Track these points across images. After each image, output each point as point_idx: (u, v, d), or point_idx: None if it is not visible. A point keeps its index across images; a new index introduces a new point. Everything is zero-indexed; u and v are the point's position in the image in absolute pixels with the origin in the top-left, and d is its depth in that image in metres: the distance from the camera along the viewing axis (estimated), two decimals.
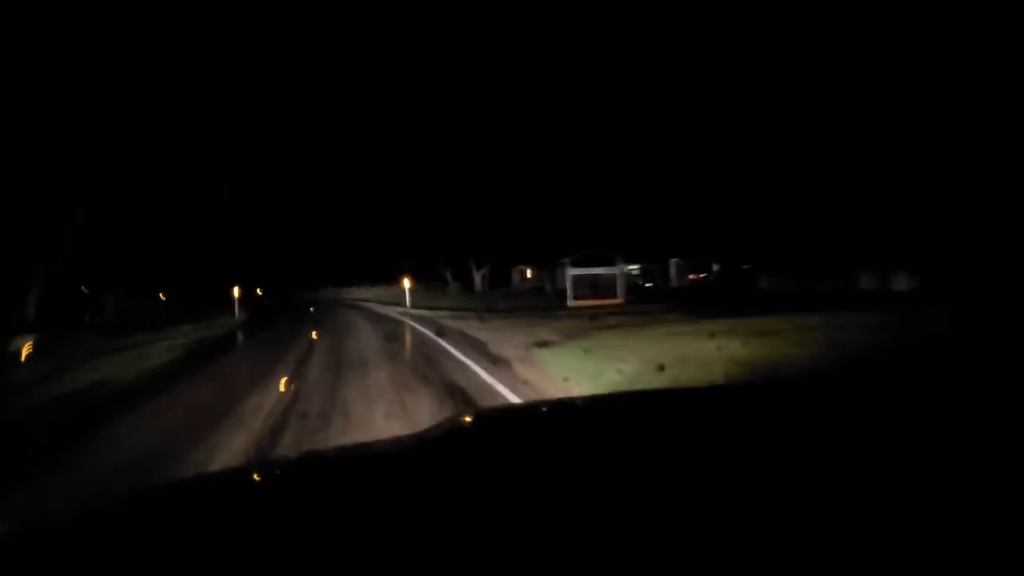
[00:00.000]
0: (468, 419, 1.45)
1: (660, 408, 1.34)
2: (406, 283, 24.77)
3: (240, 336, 15.28)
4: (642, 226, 30.62)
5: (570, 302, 22.44)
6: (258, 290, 68.79)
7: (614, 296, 22.81)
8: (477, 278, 41.46)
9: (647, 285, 36.18)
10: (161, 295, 48.53)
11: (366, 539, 0.68)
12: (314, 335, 13.34)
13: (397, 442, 1.20)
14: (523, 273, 45.59)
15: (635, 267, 39.77)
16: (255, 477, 1.11)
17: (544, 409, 1.73)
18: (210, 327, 18.23)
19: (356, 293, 48.80)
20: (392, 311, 21.71)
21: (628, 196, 29.73)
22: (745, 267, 29.10)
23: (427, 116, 33.94)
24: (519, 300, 25.93)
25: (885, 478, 0.75)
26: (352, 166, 39.95)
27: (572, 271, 23.10)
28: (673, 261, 38.01)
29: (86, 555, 0.70)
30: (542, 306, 21.83)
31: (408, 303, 24.36)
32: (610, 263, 23.81)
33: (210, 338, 14.58)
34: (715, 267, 35.59)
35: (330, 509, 0.79)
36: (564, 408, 1.63)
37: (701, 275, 36.70)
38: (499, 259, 40.70)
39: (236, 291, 23.44)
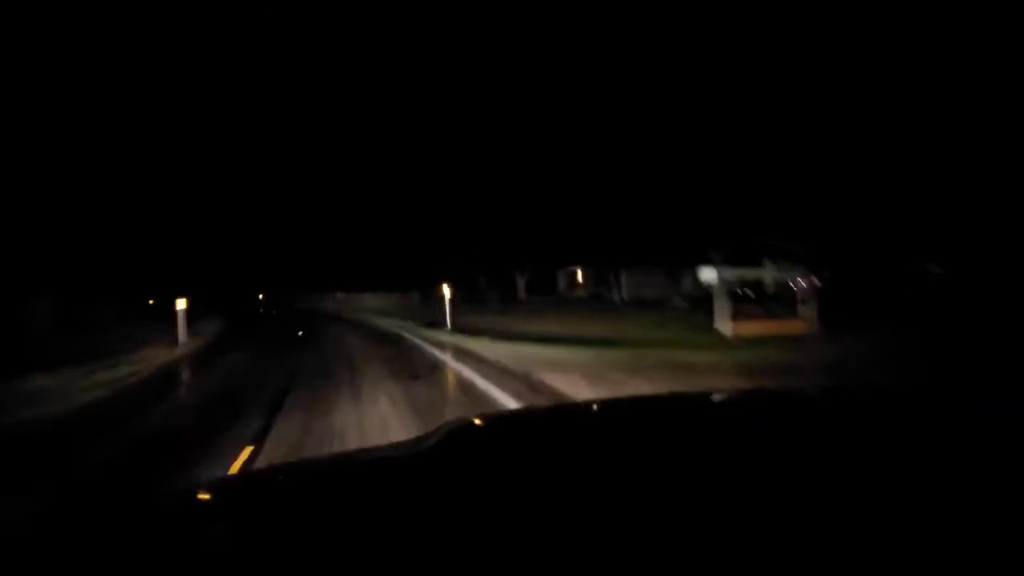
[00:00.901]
0: (466, 424, 1.31)
1: (660, 414, 1.30)
2: (446, 291, 15.44)
3: (85, 437, 5.88)
4: (733, 221, 22.84)
5: (723, 324, 13.15)
6: (260, 296, 60.44)
7: (793, 314, 13.46)
8: (521, 283, 32.28)
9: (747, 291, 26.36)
10: (151, 301, 42.66)
11: (366, 546, 0.65)
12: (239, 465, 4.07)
13: (397, 447, 1.18)
14: (572, 276, 36.18)
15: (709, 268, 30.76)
16: (254, 485, 1.05)
17: (543, 414, 1.71)
18: (97, 378, 9.07)
19: (371, 301, 39.60)
20: (432, 343, 12.20)
21: (708, 184, 21.93)
22: (934, 269, 19.41)
23: (456, 101, 27.48)
24: (617, 318, 16.46)
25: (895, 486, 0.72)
26: (371, 161, 32.44)
27: (724, 273, 13.78)
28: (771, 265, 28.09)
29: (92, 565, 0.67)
30: (678, 335, 12.60)
31: (449, 322, 15.06)
32: (774, 258, 14.58)
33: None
34: (825, 274, 26.70)
35: (331, 515, 0.77)
36: (564, 412, 1.63)
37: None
38: (548, 260, 31.67)
39: (182, 303, 14.22)
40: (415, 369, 8.18)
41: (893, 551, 0.55)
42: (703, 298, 25.30)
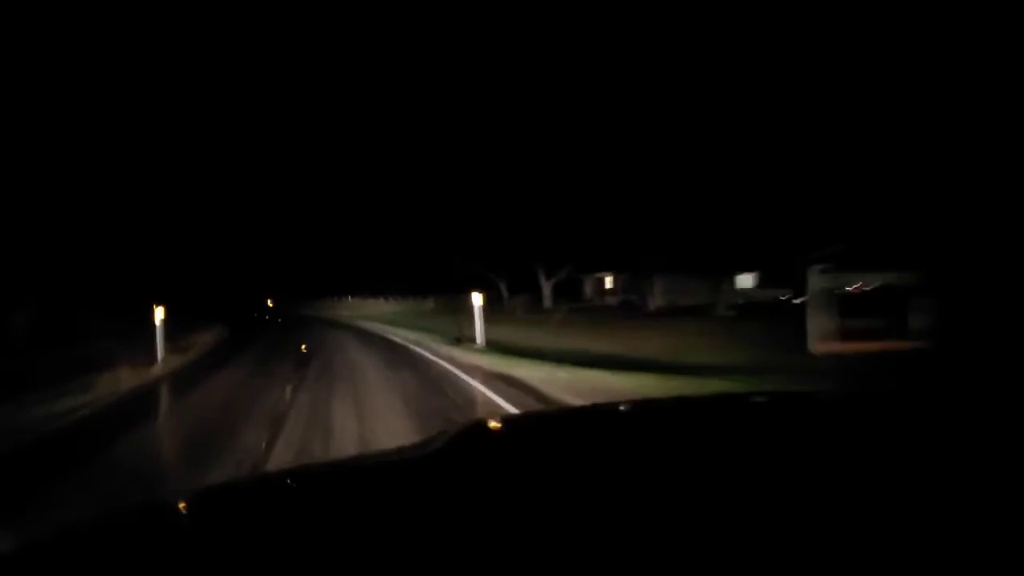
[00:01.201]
0: (472, 427, 1.30)
1: (665, 417, 1.29)
2: (477, 301, 12.94)
3: None
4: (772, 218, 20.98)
5: (820, 343, 10.66)
6: (269, 302, 58.34)
7: (903, 333, 10.90)
8: (547, 290, 29.80)
9: (794, 300, 23.47)
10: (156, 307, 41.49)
11: (368, 551, 0.63)
12: None
13: (402, 451, 1.14)
14: (600, 282, 33.69)
15: (748, 275, 28.12)
16: (257, 490, 1.02)
17: (550, 417, 1.72)
18: (32, 415, 6.71)
19: (383, 308, 37.31)
20: (466, 369, 9.59)
21: (754, 186, 19.95)
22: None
23: (478, 98, 25.34)
24: (665, 330, 13.88)
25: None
26: (385, 161, 30.32)
27: (821, 279, 11.33)
28: (816, 268, 25.33)
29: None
30: (762, 356, 10.15)
31: (481, 338, 12.57)
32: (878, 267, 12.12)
33: None
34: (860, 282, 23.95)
35: (334, 519, 0.75)
36: (573, 415, 1.58)
37: (863, 286, 24.59)
38: (574, 265, 29.20)
39: (160, 314, 11.85)
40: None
41: (900, 554, 0.54)
42: (751, 307, 22.64)
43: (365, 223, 35.28)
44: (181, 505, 0.91)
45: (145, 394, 8.44)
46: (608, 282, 32.84)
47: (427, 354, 11.33)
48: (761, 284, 27.51)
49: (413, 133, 28.43)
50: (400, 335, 16.81)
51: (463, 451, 1.03)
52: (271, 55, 30.88)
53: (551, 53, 23.38)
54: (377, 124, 30.21)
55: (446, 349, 12.07)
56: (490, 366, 9.12)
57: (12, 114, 18.18)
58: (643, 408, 1.48)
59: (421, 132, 28.04)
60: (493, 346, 12.27)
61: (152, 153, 27.12)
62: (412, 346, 13.07)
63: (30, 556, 0.69)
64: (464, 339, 13.57)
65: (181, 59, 26.47)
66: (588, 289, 34.09)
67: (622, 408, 1.48)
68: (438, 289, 33.67)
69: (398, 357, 10.90)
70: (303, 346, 13.83)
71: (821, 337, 10.68)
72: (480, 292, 13.45)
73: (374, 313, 34.64)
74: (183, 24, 25.46)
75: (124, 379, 9.62)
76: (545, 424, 1.39)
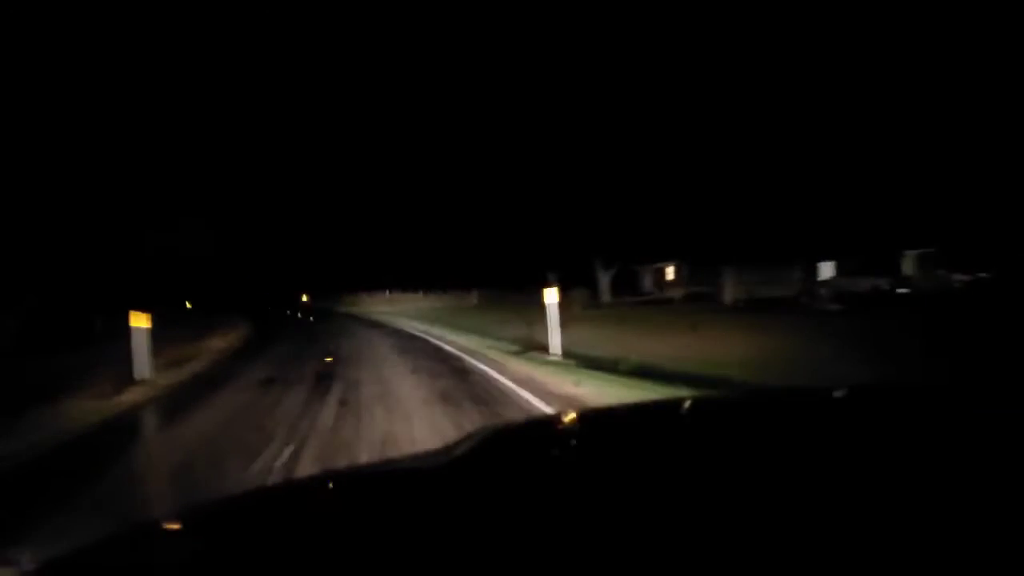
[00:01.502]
0: (497, 431, 1.28)
1: (698, 417, 1.21)
2: (551, 297, 9.72)
3: None
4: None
5: None
6: (304, 297, 56.36)
7: None
8: (604, 282, 26.41)
9: (898, 290, 19.25)
10: (188, 303, 41.10)
11: (390, 558, 0.61)
12: None
13: (427, 457, 1.09)
14: (660, 273, 30.07)
15: (828, 264, 24.14)
16: (277, 499, 0.97)
17: (574, 419, 1.57)
18: None
19: (423, 303, 34.50)
20: (566, 402, 6.32)
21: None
22: None
23: (530, 77, 22.28)
24: (780, 329, 10.22)
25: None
26: (422, 146, 27.57)
27: None
28: (912, 254, 21.46)
29: None
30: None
31: (557, 346, 9.35)
32: None
33: None
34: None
35: (355, 526, 0.72)
36: (597, 417, 1.49)
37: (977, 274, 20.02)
38: (632, 255, 25.80)
39: (143, 321, 8.88)
40: None
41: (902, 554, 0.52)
42: (850, 298, 18.56)
43: (404, 215, 32.63)
44: (202, 514, 0.87)
45: (80, 448, 5.38)
46: (669, 273, 29.23)
47: (492, 372, 8.07)
48: (841, 273, 23.66)
49: (455, 120, 25.52)
50: (449, 340, 13.63)
51: (488, 457, 0.98)
52: (311, 45, 28.40)
53: (601, 34, 20.11)
54: (418, 113, 27.35)
55: (515, 364, 8.80)
56: (601, 400, 5.81)
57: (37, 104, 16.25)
58: (682, 408, 1.34)
59: (463, 119, 25.11)
60: (576, 358, 9.00)
61: (184, 148, 24.83)
62: (468, 358, 9.84)
63: None
64: (532, 347, 10.33)
65: (213, 51, 24.24)
66: (647, 281, 30.55)
67: (659, 406, 1.41)
68: (481, 283, 30.72)
69: (455, 380, 7.67)
70: (327, 357, 10.74)
71: None
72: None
73: (413, 310, 31.71)
74: (202, 19, 23.05)
75: (62, 419, 6.65)
76: (573, 427, 1.26)
